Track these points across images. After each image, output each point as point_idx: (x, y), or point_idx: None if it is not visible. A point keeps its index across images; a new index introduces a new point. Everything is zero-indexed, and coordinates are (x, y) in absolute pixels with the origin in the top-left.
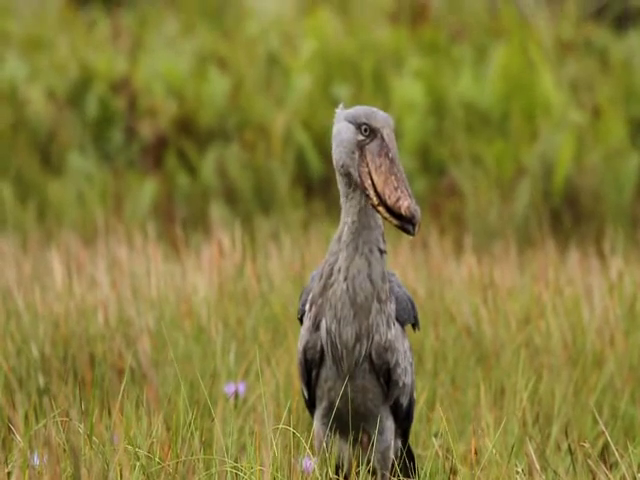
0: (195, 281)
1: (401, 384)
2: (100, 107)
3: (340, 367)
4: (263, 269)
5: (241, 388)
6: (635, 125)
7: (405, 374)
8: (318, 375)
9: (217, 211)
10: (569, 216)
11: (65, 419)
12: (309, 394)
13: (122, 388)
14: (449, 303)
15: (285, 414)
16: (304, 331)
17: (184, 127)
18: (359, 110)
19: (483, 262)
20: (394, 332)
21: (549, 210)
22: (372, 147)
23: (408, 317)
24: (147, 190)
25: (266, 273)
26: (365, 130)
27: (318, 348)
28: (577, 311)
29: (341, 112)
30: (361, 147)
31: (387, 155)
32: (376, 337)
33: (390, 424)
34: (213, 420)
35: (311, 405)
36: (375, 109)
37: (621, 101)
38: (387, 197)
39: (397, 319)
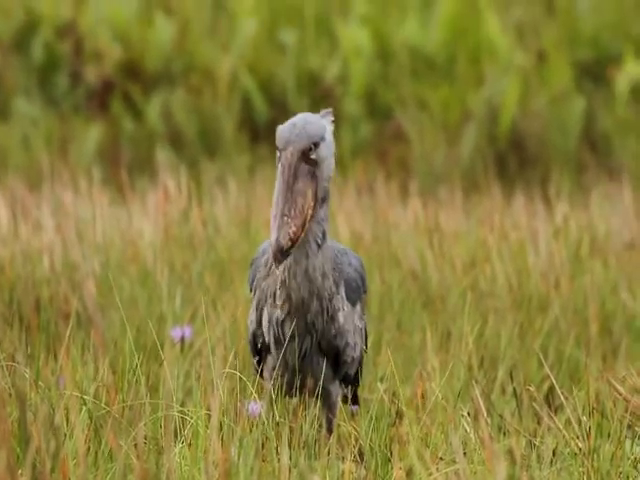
0: (141, 225)
1: (350, 360)
2: (45, 52)
3: (285, 357)
4: (209, 214)
5: (187, 332)
6: (580, 69)
7: (355, 349)
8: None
9: (163, 155)
10: (515, 160)
11: (11, 364)
12: (259, 365)
13: (68, 332)
14: (395, 247)
15: (231, 358)
16: (252, 314)
17: (130, 71)
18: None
19: (429, 206)
20: (342, 319)
21: (495, 154)
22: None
23: (358, 296)
24: (93, 134)
25: (212, 217)
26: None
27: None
28: (522, 255)
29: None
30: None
31: (279, 180)
32: (325, 334)
33: (337, 388)
34: (161, 364)
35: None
36: (294, 123)
37: (566, 45)
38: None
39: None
